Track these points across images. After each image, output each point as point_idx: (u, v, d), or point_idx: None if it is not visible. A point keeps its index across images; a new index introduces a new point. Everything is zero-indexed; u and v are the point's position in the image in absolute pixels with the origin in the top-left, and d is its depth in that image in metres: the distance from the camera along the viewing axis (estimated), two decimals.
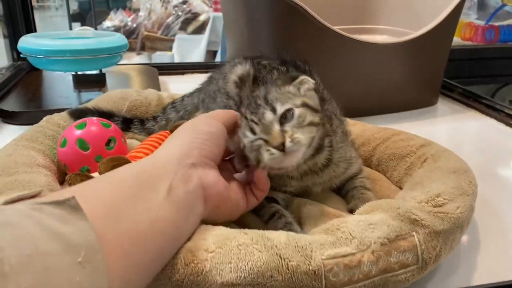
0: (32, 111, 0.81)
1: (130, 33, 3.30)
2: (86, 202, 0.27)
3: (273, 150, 0.39)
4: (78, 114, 0.62)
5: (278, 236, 0.34)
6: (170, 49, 3.05)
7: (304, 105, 0.42)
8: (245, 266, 0.32)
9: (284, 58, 0.57)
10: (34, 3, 1.16)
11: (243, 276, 0.31)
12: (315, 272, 0.32)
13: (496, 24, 1.55)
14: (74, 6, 3.74)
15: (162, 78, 1.07)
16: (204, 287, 0.32)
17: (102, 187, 0.31)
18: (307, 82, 0.44)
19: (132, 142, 0.63)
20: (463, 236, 0.44)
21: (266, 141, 0.40)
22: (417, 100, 0.92)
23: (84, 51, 0.78)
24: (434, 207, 0.41)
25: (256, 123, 0.40)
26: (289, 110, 0.40)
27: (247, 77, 0.52)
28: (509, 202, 0.58)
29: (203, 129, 0.40)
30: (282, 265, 0.32)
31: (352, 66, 0.81)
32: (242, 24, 0.90)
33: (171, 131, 0.59)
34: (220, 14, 2.84)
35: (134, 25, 3.35)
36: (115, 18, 3.50)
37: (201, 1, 3.26)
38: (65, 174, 0.55)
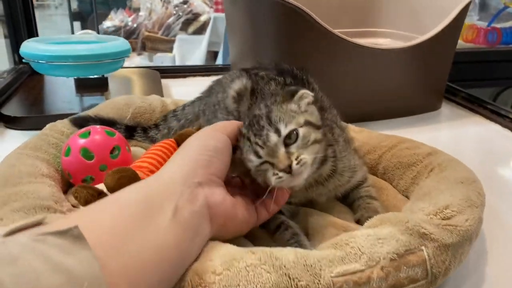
0: (34, 116, 0.81)
1: (130, 33, 3.28)
2: (89, 231, 0.27)
3: (280, 173, 0.39)
4: (80, 122, 0.62)
5: (286, 255, 0.34)
6: (170, 49, 3.04)
7: (307, 123, 0.41)
8: None
9: (281, 68, 0.57)
10: (34, 1, 1.15)
11: None
12: None
13: (498, 26, 1.55)
14: (73, 5, 3.73)
15: (164, 82, 1.06)
16: None
17: (106, 213, 0.31)
18: (307, 96, 0.43)
19: (136, 150, 0.63)
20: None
21: (272, 164, 0.40)
22: (421, 105, 0.92)
23: (87, 57, 0.77)
24: (443, 219, 0.41)
25: (260, 146, 0.40)
26: (293, 130, 0.40)
27: (245, 91, 0.52)
28: None
29: (210, 144, 0.39)
30: (292, 286, 0.32)
31: (355, 71, 0.81)
32: (245, 28, 0.90)
33: (176, 140, 0.59)
34: (221, 14, 2.84)
35: (135, 25, 3.33)
36: (115, 18, 3.49)
37: (202, 2, 3.25)
38: (69, 183, 0.55)
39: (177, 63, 2.79)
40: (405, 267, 0.36)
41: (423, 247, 0.37)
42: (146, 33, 3.19)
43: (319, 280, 0.32)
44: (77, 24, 3.59)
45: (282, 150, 0.39)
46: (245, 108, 0.51)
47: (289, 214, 0.49)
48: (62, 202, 0.46)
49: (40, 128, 0.61)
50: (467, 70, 1.29)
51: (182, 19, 3.13)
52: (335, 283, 0.32)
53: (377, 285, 0.34)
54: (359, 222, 0.48)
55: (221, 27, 2.78)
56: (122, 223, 0.30)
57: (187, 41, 2.98)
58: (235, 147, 0.42)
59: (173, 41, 3.06)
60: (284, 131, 0.40)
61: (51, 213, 0.42)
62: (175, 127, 0.67)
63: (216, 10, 2.98)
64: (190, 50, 2.91)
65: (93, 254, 0.26)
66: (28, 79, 1.01)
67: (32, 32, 1.15)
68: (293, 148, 0.40)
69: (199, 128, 0.64)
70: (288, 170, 0.39)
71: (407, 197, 0.54)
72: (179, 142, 0.58)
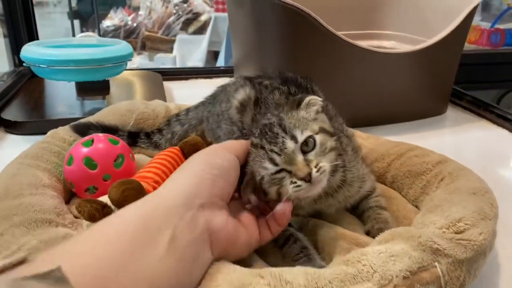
0: (35, 121, 0.79)
1: (130, 32, 3.27)
2: (74, 270, 0.25)
3: (300, 182, 0.38)
4: (81, 129, 0.61)
5: (297, 278, 0.32)
6: (171, 49, 3.03)
7: (322, 130, 0.41)
8: None
9: (285, 76, 0.56)
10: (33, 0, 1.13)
11: None
12: None
13: (502, 27, 1.54)
14: (72, 4, 3.70)
15: (166, 84, 1.05)
16: None
17: (94, 246, 0.29)
18: (315, 102, 0.42)
19: (140, 157, 0.62)
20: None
21: (289, 172, 0.38)
22: (427, 109, 0.90)
23: (89, 61, 0.76)
24: (456, 233, 0.40)
25: (277, 153, 0.38)
26: (309, 137, 0.39)
27: (248, 101, 0.51)
28: None
29: (216, 162, 0.38)
30: None
31: (361, 75, 0.80)
32: (249, 30, 0.88)
33: (181, 148, 0.58)
34: (221, 14, 2.83)
35: (135, 25, 3.32)
36: (115, 17, 3.47)
37: (202, 1, 3.23)
38: (71, 192, 0.53)
39: (178, 63, 2.77)
40: (418, 285, 0.34)
41: (436, 264, 0.36)
42: (146, 33, 3.17)
43: None
44: (76, 23, 3.56)
45: (300, 157, 0.38)
46: (249, 118, 0.50)
47: (297, 226, 0.48)
48: (65, 214, 0.45)
49: (41, 133, 0.60)
50: (470, 72, 1.28)
51: (182, 19, 3.12)
52: None
53: None
54: (369, 233, 0.47)
55: (222, 27, 2.77)
56: (112, 256, 0.28)
57: (187, 41, 2.97)
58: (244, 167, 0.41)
59: (173, 41, 3.05)
60: (301, 137, 0.39)
61: (52, 227, 0.41)
62: (179, 131, 0.65)
63: (217, 10, 2.97)
64: (191, 50, 2.90)
65: None
66: (28, 82, 1.00)
67: (32, 31, 1.13)
68: (311, 156, 0.39)
69: (202, 133, 0.63)
70: (308, 178, 0.37)
71: (417, 207, 0.53)
72: (184, 150, 0.57)
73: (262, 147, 0.39)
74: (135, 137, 0.64)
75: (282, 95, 0.50)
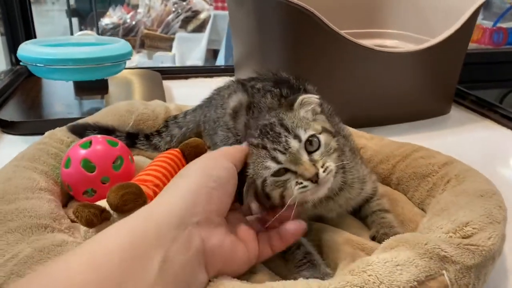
0: (32, 121, 0.78)
1: (129, 30, 3.25)
2: None
3: (306, 182, 0.36)
4: (78, 130, 0.59)
5: None
6: (170, 47, 3.01)
7: (324, 130, 0.40)
8: None
9: (279, 77, 0.55)
10: None
11: None
12: None
13: (504, 25, 1.52)
14: (70, 1, 3.68)
15: (165, 83, 1.04)
16: None
17: (78, 272, 0.26)
18: (309, 100, 0.41)
19: (139, 159, 0.61)
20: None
21: (294, 173, 0.37)
22: (430, 109, 0.89)
23: (87, 60, 0.74)
24: (463, 238, 0.39)
25: (281, 151, 0.37)
26: (313, 136, 0.38)
27: (240, 107, 0.51)
28: None
29: (212, 174, 0.36)
30: None
31: (364, 74, 0.79)
32: (250, 29, 0.87)
33: (181, 149, 0.57)
34: (220, 12, 2.81)
35: (133, 23, 3.30)
36: (113, 15, 3.45)
37: None
38: (69, 196, 0.52)
39: (177, 61, 2.76)
40: None
41: (444, 271, 0.35)
42: (145, 31, 3.16)
43: None
44: (74, 21, 3.55)
45: (305, 157, 0.37)
46: (241, 125, 0.50)
47: None
48: (61, 219, 0.44)
49: (38, 133, 0.59)
50: (472, 71, 1.27)
51: (181, 17, 3.10)
52: None
53: None
54: (374, 238, 0.46)
55: (221, 25, 2.75)
56: (96, 283, 0.26)
57: (186, 39, 2.95)
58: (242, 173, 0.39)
59: (172, 39, 3.03)
60: (304, 136, 0.38)
61: (48, 233, 0.40)
62: (177, 134, 0.66)
63: (216, 8, 2.95)
64: (190, 48, 2.89)
65: None
66: (25, 81, 0.99)
67: (29, 30, 1.12)
68: (316, 156, 0.38)
69: (201, 136, 0.62)
70: (316, 178, 0.36)
71: (423, 209, 0.51)
72: (185, 152, 0.56)
73: (264, 147, 0.38)
74: (134, 138, 0.63)
75: (274, 98, 0.49)
